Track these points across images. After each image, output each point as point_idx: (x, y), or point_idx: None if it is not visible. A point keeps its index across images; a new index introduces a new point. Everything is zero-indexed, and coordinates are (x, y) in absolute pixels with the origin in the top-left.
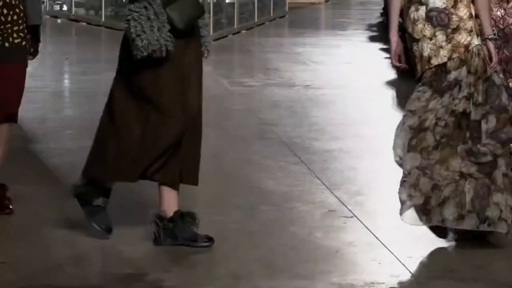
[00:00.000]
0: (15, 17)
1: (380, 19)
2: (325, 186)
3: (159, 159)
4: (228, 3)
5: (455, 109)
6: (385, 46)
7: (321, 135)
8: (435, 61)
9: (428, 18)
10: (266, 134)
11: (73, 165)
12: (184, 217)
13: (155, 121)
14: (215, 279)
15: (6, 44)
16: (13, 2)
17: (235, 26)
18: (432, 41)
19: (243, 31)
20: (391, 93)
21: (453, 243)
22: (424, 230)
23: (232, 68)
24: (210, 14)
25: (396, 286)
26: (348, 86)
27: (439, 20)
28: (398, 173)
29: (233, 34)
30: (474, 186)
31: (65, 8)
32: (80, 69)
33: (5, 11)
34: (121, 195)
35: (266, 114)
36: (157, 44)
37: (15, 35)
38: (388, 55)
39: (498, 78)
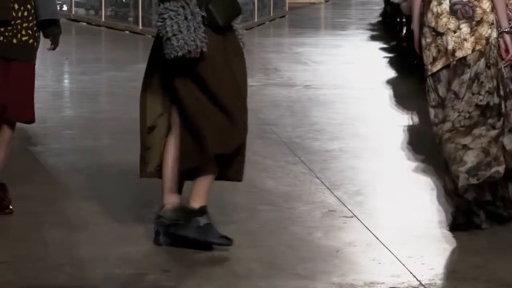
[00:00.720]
0: (25, 13)
1: (380, 19)
2: (325, 186)
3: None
4: None
5: (480, 104)
6: (385, 46)
7: (321, 135)
8: (459, 54)
9: (453, 11)
10: (266, 134)
11: (73, 165)
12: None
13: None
14: (215, 279)
15: (14, 41)
16: None
17: None
18: (456, 33)
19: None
20: (391, 93)
21: (453, 243)
22: (424, 230)
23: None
24: None
25: (396, 286)
26: (348, 86)
27: (464, 12)
28: (397, 173)
29: None
30: None
31: (65, 8)
32: (80, 69)
33: (16, 6)
34: (121, 195)
35: (266, 114)
36: (193, 44)
37: (23, 32)
38: (388, 55)
39: (506, 72)
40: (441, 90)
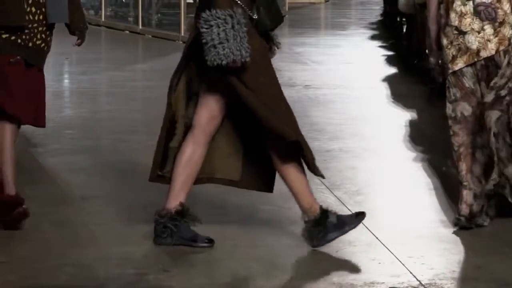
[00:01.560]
0: (41, 17)
1: (380, 19)
2: (325, 186)
3: None
4: None
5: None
6: (385, 45)
7: (321, 135)
8: (484, 54)
9: (476, 12)
10: None
11: (73, 165)
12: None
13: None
14: (215, 279)
15: (30, 44)
16: (41, 1)
17: None
18: (480, 34)
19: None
20: (390, 93)
21: (453, 243)
22: (424, 230)
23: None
24: None
25: (396, 286)
26: (348, 86)
27: (487, 14)
28: (397, 173)
29: None
30: None
31: None
32: (80, 69)
33: (33, 9)
34: (121, 195)
35: None
36: (238, 54)
37: (38, 36)
38: (387, 54)
39: None
40: (468, 82)
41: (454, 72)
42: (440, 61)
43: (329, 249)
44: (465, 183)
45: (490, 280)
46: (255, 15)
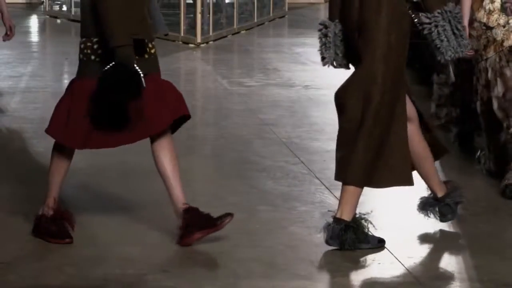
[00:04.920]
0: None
1: None
2: (325, 186)
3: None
4: (228, 3)
5: None
6: None
7: (320, 135)
8: (507, 43)
9: (503, 9)
10: (266, 134)
11: (73, 164)
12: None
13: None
14: (215, 279)
15: (149, 54)
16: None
17: (235, 26)
18: (505, 28)
19: (243, 31)
20: None
21: (453, 243)
22: (424, 230)
23: (231, 68)
24: (209, 14)
25: (396, 286)
26: None
27: None
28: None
29: (233, 34)
30: None
31: (64, 8)
32: None
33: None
34: (121, 195)
35: (266, 114)
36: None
37: (150, 45)
38: None
39: None
40: (490, 74)
41: (486, 60)
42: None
43: (329, 249)
44: None
45: (489, 280)
46: None
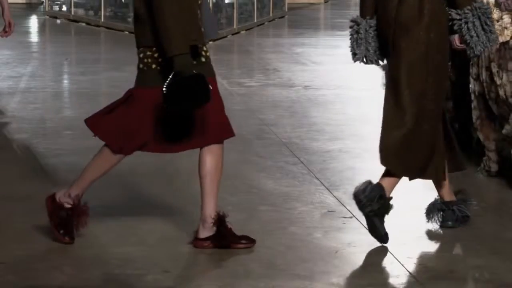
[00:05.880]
0: None
1: None
2: (324, 186)
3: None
4: (227, 3)
5: None
6: None
7: (320, 136)
8: (500, 39)
9: (497, 4)
10: (266, 134)
11: (73, 165)
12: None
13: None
14: (215, 279)
15: (205, 58)
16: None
17: (235, 26)
18: (499, 22)
19: (243, 32)
20: None
21: (452, 243)
22: (424, 230)
23: (231, 68)
24: None
25: (395, 286)
26: (347, 87)
27: (507, 5)
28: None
29: (233, 34)
30: None
31: (64, 8)
32: (79, 69)
33: None
34: (121, 195)
35: (266, 115)
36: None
37: (205, 49)
38: None
39: None
40: (483, 70)
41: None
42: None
43: (329, 249)
44: None
45: (489, 280)
46: None
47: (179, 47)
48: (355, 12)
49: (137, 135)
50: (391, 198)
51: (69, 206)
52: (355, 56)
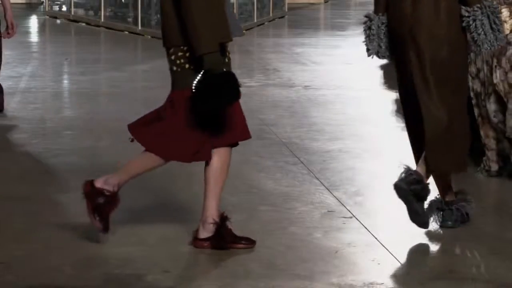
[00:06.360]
0: None
1: None
2: (324, 186)
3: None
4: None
5: None
6: None
7: (320, 136)
8: None
9: None
10: (266, 134)
11: (73, 165)
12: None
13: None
14: (215, 279)
15: (228, 58)
16: None
17: None
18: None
19: (243, 31)
20: (390, 94)
21: (452, 243)
22: (424, 230)
23: (231, 68)
24: None
25: (395, 286)
26: (347, 87)
27: None
28: (397, 173)
29: None
30: None
31: (64, 8)
32: (79, 69)
33: None
34: (121, 195)
35: (266, 115)
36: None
37: (228, 48)
38: None
39: None
40: (479, 63)
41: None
42: None
43: (329, 249)
44: None
45: (489, 280)
46: None
47: (208, 46)
48: (355, 12)
49: (201, 137)
50: (428, 183)
51: (108, 193)
52: (369, 51)
